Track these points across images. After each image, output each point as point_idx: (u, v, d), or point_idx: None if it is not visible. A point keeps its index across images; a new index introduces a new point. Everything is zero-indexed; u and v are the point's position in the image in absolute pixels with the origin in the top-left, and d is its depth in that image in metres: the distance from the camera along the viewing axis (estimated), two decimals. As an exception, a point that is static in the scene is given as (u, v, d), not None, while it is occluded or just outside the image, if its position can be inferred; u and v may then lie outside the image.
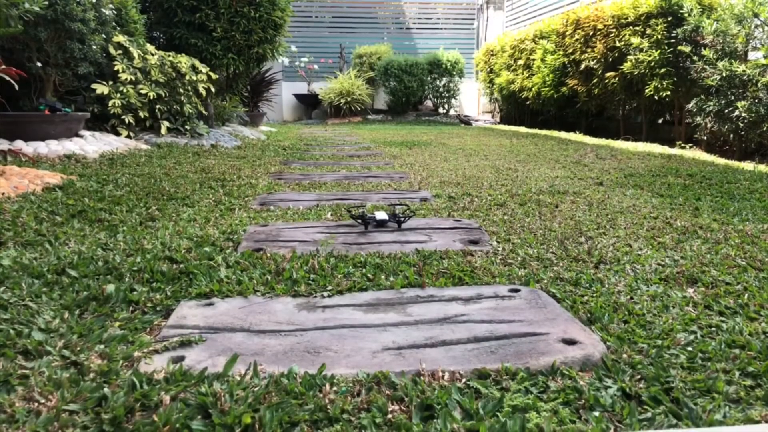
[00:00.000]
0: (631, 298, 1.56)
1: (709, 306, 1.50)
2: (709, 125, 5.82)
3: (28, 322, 1.31)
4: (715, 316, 1.44)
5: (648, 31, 6.56)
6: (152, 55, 5.61)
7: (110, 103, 5.09)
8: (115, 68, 5.23)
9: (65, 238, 2.04)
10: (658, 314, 1.44)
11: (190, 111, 5.91)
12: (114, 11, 5.47)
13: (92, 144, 4.59)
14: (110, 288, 1.51)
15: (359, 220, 2.37)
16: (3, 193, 2.75)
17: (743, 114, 5.19)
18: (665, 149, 5.97)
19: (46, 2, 4.19)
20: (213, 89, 6.64)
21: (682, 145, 6.40)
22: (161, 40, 7.53)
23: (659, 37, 6.40)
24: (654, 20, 6.51)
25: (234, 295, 1.56)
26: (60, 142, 4.41)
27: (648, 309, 1.47)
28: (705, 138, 6.05)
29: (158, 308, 1.46)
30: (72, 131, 4.66)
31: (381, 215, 2.37)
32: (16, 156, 3.77)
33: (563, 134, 8.34)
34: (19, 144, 4.14)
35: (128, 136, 5.29)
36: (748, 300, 1.54)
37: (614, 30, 7.13)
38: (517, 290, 1.60)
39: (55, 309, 1.40)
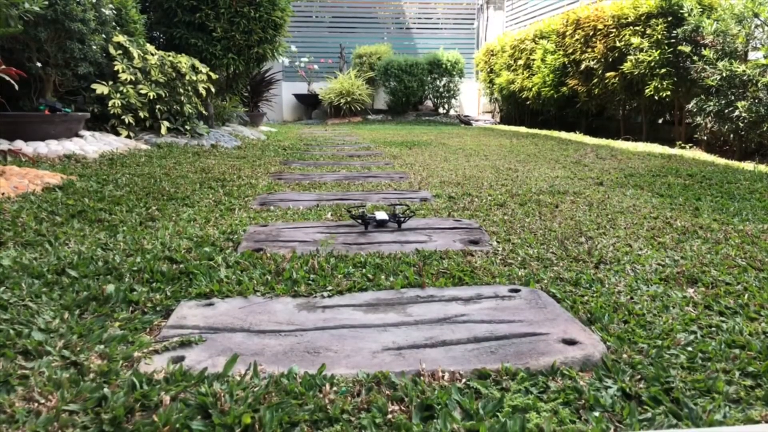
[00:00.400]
0: (631, 298, 1.56)
1: (709, 306, 1.50)
2: (709, 125, 5.82)
3: (28, 322, 1.31)
4: (715, 316, 1.44)
5: (648, 31, 6.56)
6: (152, 55, 5.61)
7: (110, 103, 5.09)
8: (115, 68, 5.23)
9: (65, 238, 2.04)
10: (658, 314, 1.44)
11: (190, 111, 5.91)
12: (114, 11, 5.47)
13: (92, 144, 4.59)
14: (110, 288, 1.51)
15: (359, 220, 2.37)
16: (3, 193, 2.75)
17: (743, 114, 5.19)
18: (665, 149, 5.97)
19: (46, 2, 4.19)
20: (213, 89, 6.64)
21: (682, 145, 6.40)
22: (161, 40, 7.53)
23: (659, 37, 6.40)
24: (654, 20, 6.51)
25: (234, 295, 1.56)
26: (60, 142, 4.41)
27: (648, 309, 1.47)
28: (705, 138, 6.05)
29: (158, 308, 1.46)
30: (72, 131, 4.66)
31: (381, 215, 2.37)
32: (16, 156, 3.77)
33: (563, 134, 8.34)
34: (19, 144, 4.14)
35: (128, 136, 5.29)
36: (748, 300, 1.54)
37: (614, 30, 7.13)
38: (517, 290, 1.60)
39: (55, 309, 1.40)
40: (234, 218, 2.49)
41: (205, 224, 2.35)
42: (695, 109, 5.88)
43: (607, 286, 1.65)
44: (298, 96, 13.85)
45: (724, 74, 5.39)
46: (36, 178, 3.07)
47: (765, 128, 5.12)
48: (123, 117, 5.23)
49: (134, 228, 2.24)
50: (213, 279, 1.66)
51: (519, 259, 1.92)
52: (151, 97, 5.41)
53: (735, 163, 4.83)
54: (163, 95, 5.54)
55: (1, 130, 4.19)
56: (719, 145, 6.05)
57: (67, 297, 1.47)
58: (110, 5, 5.35)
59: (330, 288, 1.61)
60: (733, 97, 5.40)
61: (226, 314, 1.42)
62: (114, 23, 5.44)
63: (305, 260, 1.84)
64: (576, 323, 1.37)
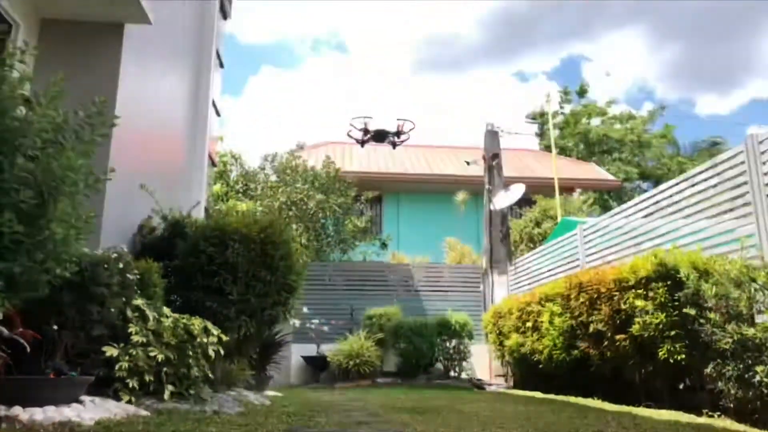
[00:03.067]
0: None
1: None
2: (732, 391, 5.58)
3: None
4: None
5: (650, 294, 6.67)
6: (167, 317, 5.74)
7: (117, 366, 5.03)
8: (129, 330, 5.30)
9: None
10: None
11: (197, 374, 5.81)
12: (138, 276, 5.76)
13: (90, 411, 4.40)
14: None
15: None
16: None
17: (764, 379, 5.02)
18: (692, 418, 5.62)
19: (77, 268, 4.43)
20: (222, 351, 6.63)
21: (710, 413, 6.04)
22: (177, 303, 7.78)
23: (662, 299, 6.48)
24: (654, 284, 6.65)
25: None
26: (58, 408, 4.24)
27: None
28: (732, 405, 5.74)
29: None
30: (72, 396, 4.51)
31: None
32: (11, 423, 3.59)
33: (580, 400, 7.98)
34: (16, 410, 3.97)
35: (129, 401, 5.10)
36: None
37: (617, 293, 7.29)
38: None
39: None
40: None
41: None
42: (714, 374, 5.71)
43: None
44: (306, 358, 13.76)
45: (735, 338, 5.36)
46: (23, 449, 2.87)
47: (792, 394, 4.90)
48: (128, 381, 5.12)
49: None
50: None
51: None
52: (159, 360, 5.37)
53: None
54: (172, 358, 5.51)
55: (5, 395, 4.06)
56: (749, 413, 5.71)
57: None
58: (135, 270, 5.65)
59: None
60: (750, 361, 5.27)
61: None
62: (135, 287, 5.68)
63: None
64: None
